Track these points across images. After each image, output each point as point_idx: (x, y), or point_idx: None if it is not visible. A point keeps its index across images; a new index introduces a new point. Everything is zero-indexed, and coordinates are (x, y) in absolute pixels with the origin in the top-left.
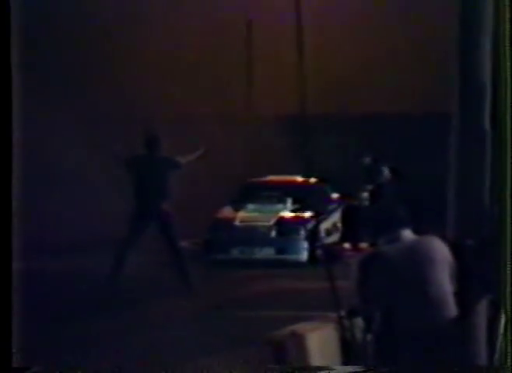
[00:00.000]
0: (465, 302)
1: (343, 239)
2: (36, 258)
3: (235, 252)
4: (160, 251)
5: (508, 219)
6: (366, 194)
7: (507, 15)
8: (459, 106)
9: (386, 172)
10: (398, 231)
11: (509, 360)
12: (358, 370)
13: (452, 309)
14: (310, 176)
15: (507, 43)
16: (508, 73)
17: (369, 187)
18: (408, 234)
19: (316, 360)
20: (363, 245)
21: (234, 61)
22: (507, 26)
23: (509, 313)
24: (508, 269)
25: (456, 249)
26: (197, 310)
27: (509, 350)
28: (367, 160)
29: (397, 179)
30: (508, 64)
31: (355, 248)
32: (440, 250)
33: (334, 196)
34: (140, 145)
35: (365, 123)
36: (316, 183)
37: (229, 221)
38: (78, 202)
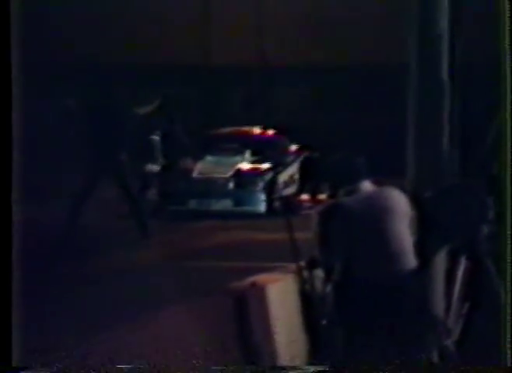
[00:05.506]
0: (424, 253)
1: (301, 191)
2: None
3: (192, 204)
4: (117, 202)
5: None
6: None
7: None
8: (416, 55)
9: None
10: (357, 182)
11: (509, 360)
12: (326, 369)
13: (411, 260)
14: (268, 128)
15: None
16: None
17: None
18: (367, 185)
19: (276, 311)
20: (322, 196)
21: (192, 10)
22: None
23: (508, 313)
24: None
25: (415, 199)
26: (154, 261)
27: (509, 349)
28: None
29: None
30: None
31: (313, 199)
32: (399, 201)
33: (293, 147)
34: (96, 95)
35: (324, 74)
36: (274, 134)
37: (186, 173)
38: (36, 153)
